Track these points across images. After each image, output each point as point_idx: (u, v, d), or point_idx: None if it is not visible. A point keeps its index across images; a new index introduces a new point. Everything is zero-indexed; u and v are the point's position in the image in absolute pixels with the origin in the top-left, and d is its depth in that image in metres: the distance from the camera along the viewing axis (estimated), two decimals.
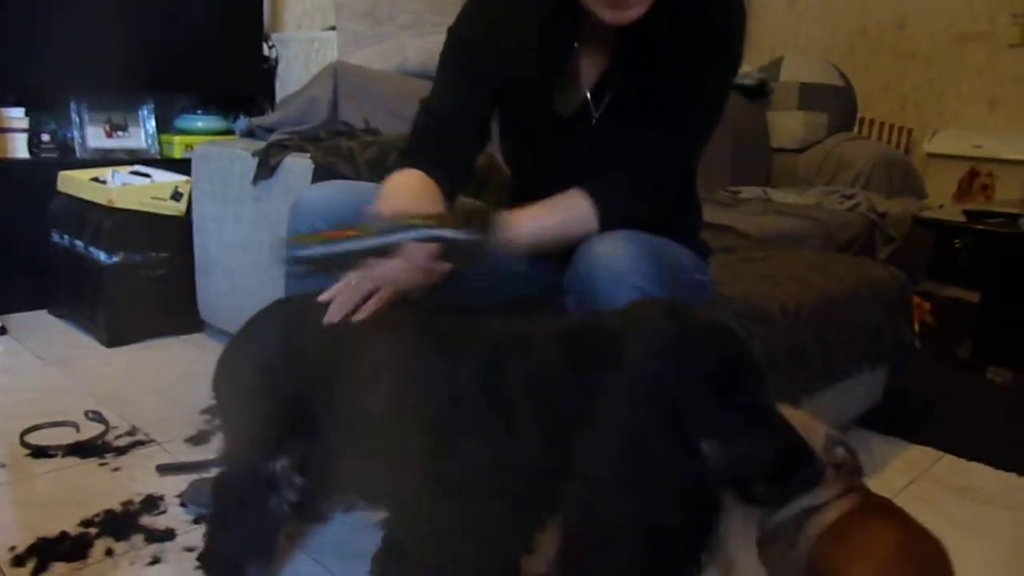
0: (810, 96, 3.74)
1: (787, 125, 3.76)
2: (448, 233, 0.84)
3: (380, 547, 0.95)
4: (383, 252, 0.84)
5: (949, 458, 1.96)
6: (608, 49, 1.24)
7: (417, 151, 1.27)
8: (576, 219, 1.16)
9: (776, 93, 3.80)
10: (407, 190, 1.15)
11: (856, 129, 3.98)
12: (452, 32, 1.32)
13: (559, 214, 1.17)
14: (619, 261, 1.09)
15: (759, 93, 3.79)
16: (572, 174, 1.26)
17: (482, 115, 1.32)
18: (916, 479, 1.84)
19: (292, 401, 1.05)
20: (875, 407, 2.07)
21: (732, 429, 0.81)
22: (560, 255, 1.21)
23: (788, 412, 1.00)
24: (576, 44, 1.25)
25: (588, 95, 1.27)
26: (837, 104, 3.78)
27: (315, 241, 0.83)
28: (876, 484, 1.79)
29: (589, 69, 1.27)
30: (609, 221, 1.16)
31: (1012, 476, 1.87)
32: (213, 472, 1.61)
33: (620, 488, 0.78)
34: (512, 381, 0.85)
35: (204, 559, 1.25)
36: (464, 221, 0.87)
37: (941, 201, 3.68)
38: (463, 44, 1.30)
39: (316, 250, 0.81)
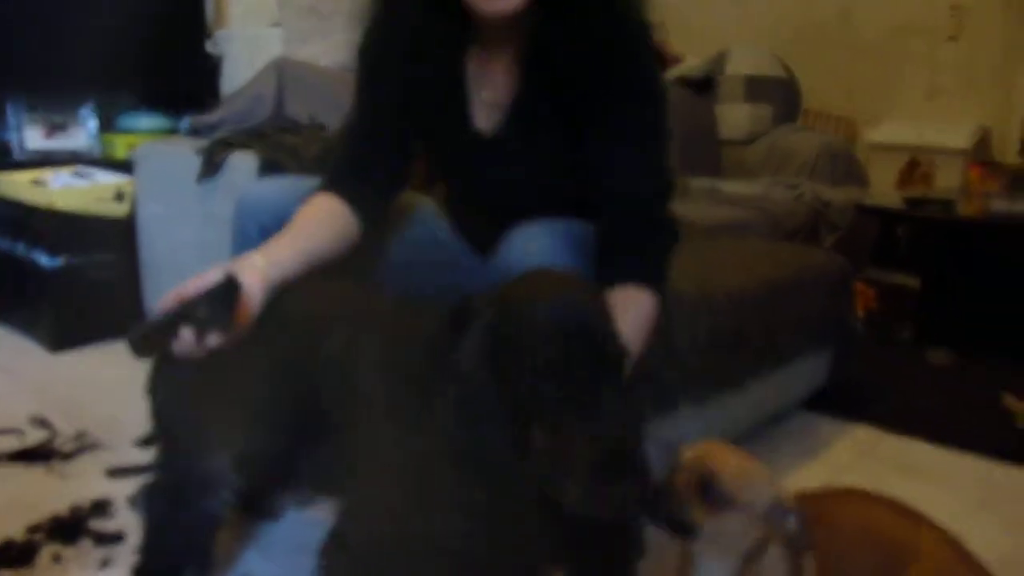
0: (756, 89, 3.81)
1: (734, 117, 3.83)
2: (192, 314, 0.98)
3: (326, 540, 0.95)
4: (171, 331, 0.98)
5: (892, 437, 2.02)
6: (516, 59, 1.21)
7: (335, 176, 1.26)
8: (648, 315, 1.13)
9: (722, 86, 3.86)
10: (309, 219, 1.19)
11: (800, 120, 4.06)
12: (359, 53, 1.28)
13: (638, 323, 1.12)
14: (535, 256, 1.09)
15: (706, 86, 3.85)
16: (502, 195, 1.27)
17: (399, 135, 1.27)
18: (860, 457, 1.89)
19: (230, 400, 1.04)
20: (820, 389, 2.12)
21: (548, 415, 0.75)
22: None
23: (737, 456, 0.94)
24: (470, 49, 1.22)
25: (494, 113, 1.24)
26: (782, 96, 3.86)
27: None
28: (822, 464, 1.85)
29: (501, 84, 1.23)
30: (660, 289, 1.16)
31: (950, 452, 1.94)
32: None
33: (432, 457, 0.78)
34: (415, 364, 0.85)
35: (138, 571, 1.19)
36: (203, 301, 0.98)
37: (884, 189, 3.78)
38: (367, 64, 1.27)
39: (134, 332, 0.98)
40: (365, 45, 1.27)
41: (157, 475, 1.17)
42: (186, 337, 0.98)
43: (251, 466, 1.07)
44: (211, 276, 1.01)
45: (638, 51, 1.17)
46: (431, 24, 1.18)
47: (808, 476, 1.77)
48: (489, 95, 1.25)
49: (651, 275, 1.15)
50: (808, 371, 2.03)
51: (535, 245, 1.13)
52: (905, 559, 0.97)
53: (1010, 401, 2.23)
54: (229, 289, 1.00)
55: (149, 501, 1.17)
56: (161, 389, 1.12)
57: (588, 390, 0.75)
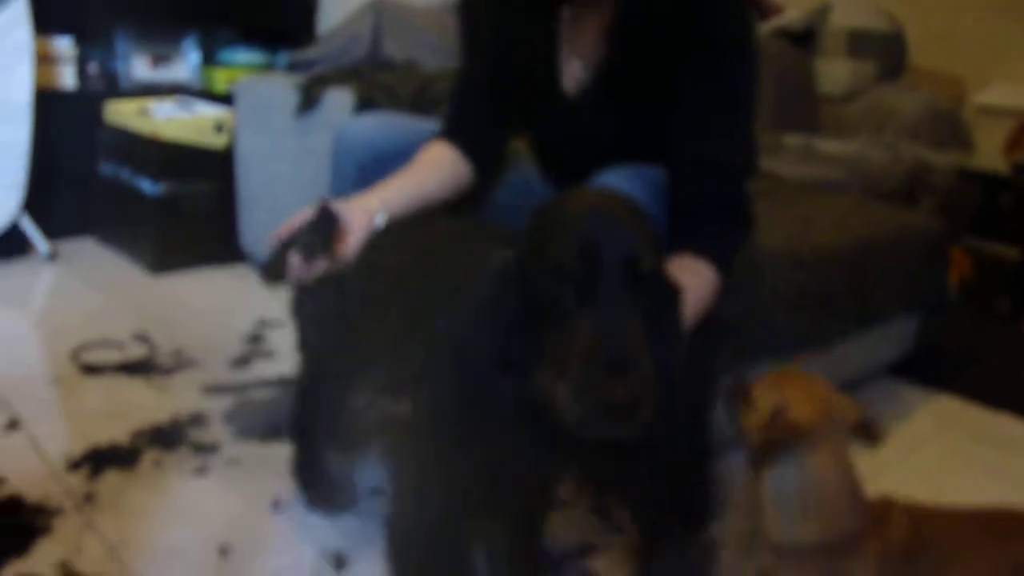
0: (859, 43, 3.65)
1: (834, 72, 3.68)
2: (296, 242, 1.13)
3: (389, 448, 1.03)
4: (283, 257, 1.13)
5: (977, 408, 1.96)
6: (606, 21, 1.20)
7: (448, 125, 1.33)
8: (706, 287, 1.11)
9: (824, 39, 3.71)
10: (424, 164, 1.28)
11: (905, 78, 3.88)
12: (459, 6, 1.33)
13: (695, 293, 1.08)
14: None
15: (806, 39, 3.70)
16: (584, 154, 1.26)
17: (503, 85, 1.30)
18: (942, 428, 1.85)
19: (351, 321, 1.12)
20: (908, 355, 2.07)
21: (558, 317, 0.73)
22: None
23: (782, 377, 1.01)
24: (563, 9, 1.22)
25: (582, 73, 1.25)
26: (886, 52, 3.69)
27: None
28: (904, 432, 1.82)
29: (590, 44, 1.23)
30: (724, 270, 1.13)
31: None
32: (256, 394, 1.68)
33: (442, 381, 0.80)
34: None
35: (291, 433, 1.35)
36: (305, 231, 1.12)
37: (991, 155, 3.60)
38: (468, 16, 1.31)
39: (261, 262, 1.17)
40: (464, 2, 1.31)
41: (302, 377, 1.30)
42: (294, 262, 1.09)
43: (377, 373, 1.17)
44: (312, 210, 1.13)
45: (731, 16, 1.14)
46: None
47: (888, 445, 1.74)
48: (578, 55, 1.25)
49: (717, 253, 1.12)
50: (896, 335, 1.98)
51: (617, 188, 1.13)
52: None
53: None
54: (325, 220, 1.11)
55: (298, 395, 1.31)
56: (299, 310, 1.24)
57: (598, 294, 0.72)
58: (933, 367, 2.13)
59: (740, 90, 1.17)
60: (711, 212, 1.14)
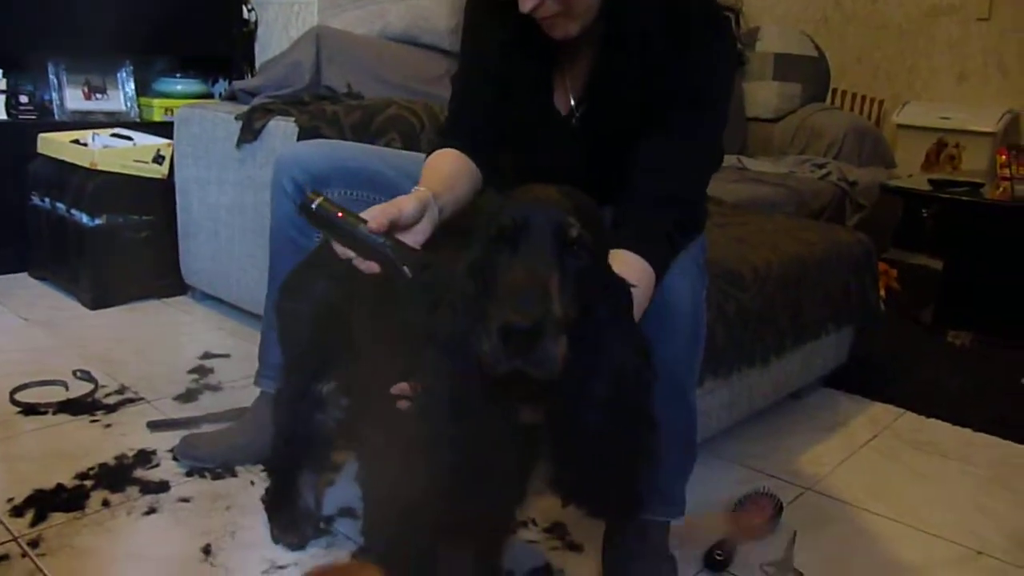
0: (785, 67, 3.80)
1: (762, 95, 3.82)
2: (396, 262, 0.99)
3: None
4: (355, 246, 1.00)
5: (910, 415, 2.05)
6: (593, 47, 1.23)
7: (452, 132, 1.32)
8: (644, 287, 1.11)
9: (752, 63, 3.85)
10: (446, 167, 1.24)
11: (829, 100, 4.04)
12: (467, 10, 1.34)
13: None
14: None
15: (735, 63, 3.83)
16: (568, 177, 1.29)
17: (496, 99, 1.31)
18: (878, 434, 1.93)
19: (339, 328, 1.15)
20: (841, 367, 2.16)
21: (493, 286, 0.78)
22: None
23: None
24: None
25: (570, 97, 1.28)
26: (811, 75, 3.84)
27: (331, 208, 1.00)
28: (841, 439, 1.89)
29: (582, 65, 1.26)
30: (662, 270, 1.15)
31: (967, 431, 1.97)
32: (203, 428, 1.66)
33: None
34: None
35: (267, 463, 1.40)
36: (412, 260, 1.00)
37: (910, 171, 3.77)
38: (471, 28, 1.33)
39: (325, 212, 1.00)
40: (471, 10, 1.33)
41: (282, 388, 1.33)
42: (345, 253, 1.02)
43: (355, 392, 1.20)
44: (409, 208, 1.04)
45: (716, 74, 1.20)
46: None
47: (826, 451, 1.82)
48: (570, 77, 1.28)
49: (658, 257, 1.14)
50: (830, 348, 2.06)
51: None
52: None
53: None
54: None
55: (276, 409, 1.33)
56: (285, 318, 1.28)
57: (521, 250, 0.77)
58: (866, 377, 2.22)
59: (706, 144, 1.23)
60: (661, 220, 1.17)
